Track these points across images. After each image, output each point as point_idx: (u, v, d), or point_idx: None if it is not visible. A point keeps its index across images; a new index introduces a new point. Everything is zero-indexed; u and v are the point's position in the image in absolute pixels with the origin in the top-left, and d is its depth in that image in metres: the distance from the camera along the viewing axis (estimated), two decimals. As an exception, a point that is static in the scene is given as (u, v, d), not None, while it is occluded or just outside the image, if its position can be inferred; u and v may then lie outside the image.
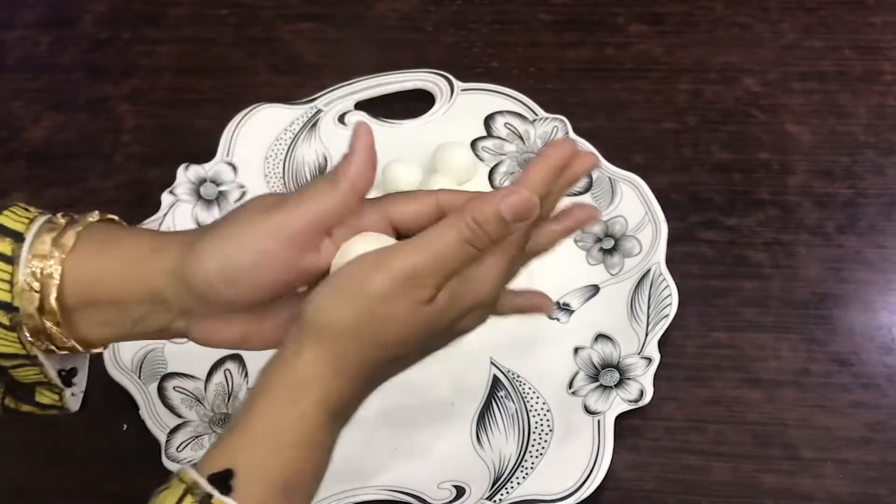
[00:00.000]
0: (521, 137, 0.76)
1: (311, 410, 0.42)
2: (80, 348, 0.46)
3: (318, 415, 0.42)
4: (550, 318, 0.68)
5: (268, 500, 0.40)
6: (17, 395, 0.47)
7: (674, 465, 0.62)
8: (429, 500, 0.60)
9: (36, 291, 0.43)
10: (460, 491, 0.61)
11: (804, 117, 0.77)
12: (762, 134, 0.77)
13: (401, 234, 0.47)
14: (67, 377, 0.48)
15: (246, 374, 0.66)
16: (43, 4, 0.93)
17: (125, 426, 0.65)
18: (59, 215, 0.46)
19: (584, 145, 0.74)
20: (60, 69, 0.87)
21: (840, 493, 0.60)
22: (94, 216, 0.47)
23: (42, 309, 0.44)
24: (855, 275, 0.69)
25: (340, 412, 0.43)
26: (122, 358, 0.66)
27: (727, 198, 0.73)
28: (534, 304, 0.53)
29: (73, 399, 0.49)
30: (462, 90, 0.79)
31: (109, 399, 0.66)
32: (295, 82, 0.81)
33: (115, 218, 0.48)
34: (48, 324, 0.44)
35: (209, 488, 0.39)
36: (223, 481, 0.39)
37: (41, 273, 0.44)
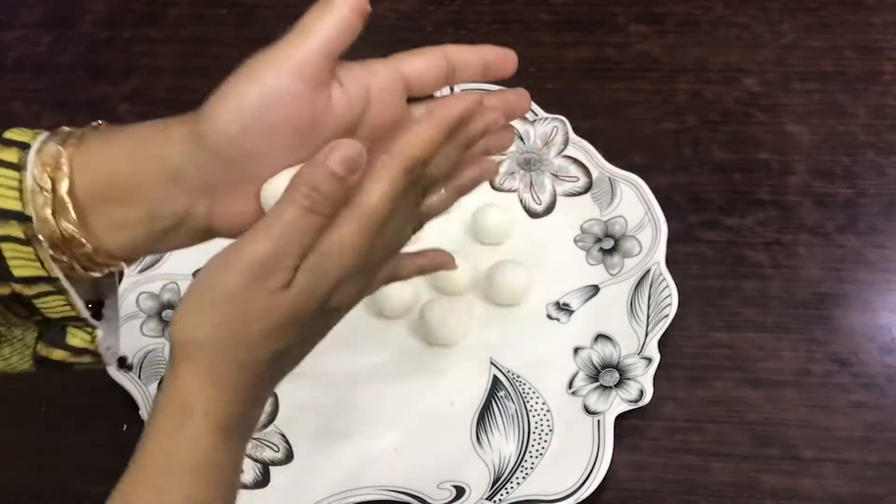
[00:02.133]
0: (520, 137, 0.76)
1: (200, 433, 0.40)
2: (103, 258, 0.43)
3: (210, 434, 0.40)
4: (551, 318, 0.68)
5: None
6: (49, 338, 0.45)
7: (674, 466, 0.62)
8: (429, 500, 0.60)
9: (46, 191, 0.41)
10: (460, 491, 0.61)
11: (804, 117, 0.77)
12: (762, 134, 0.77)
13: (413, 94, 0.45)
14: (96, 310, 0.46)
15: (246, 375, 0.66)
16: (43, 4, 0.93)
17: (125, 426, 0.65)
18: (63, 127, 0.44)
19: (584, 145, 0.75)
20: (60, 69, 0.87)
21: (840, 493, 0.60)
22: (100, 122, 0.45)
23: (55, 211, 0.41)
24: (855, 275, 0.69)
25: (234, 426, 0.42)
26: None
27: (727, 198, 0.73)
28: (436, 262, 0.51)
29: (108, 338, 0.47)
30: (461, 90, 0.79)
31: (109, 399, 0.66)
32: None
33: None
34: (65, 225, 0.41)
35: None
36: None
37: (50, 170, 0.41)
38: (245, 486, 0.62)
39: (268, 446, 0.64)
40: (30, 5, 0.92)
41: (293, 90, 0.40)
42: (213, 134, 0.41)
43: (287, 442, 0.64)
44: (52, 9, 0.93)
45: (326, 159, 0.40)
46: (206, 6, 0.90)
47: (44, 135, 0.42)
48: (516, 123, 0.77)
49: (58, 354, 0.45)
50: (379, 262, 0.45)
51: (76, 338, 0.45)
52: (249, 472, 0.62)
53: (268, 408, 0.65)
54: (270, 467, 0.63)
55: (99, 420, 0.66)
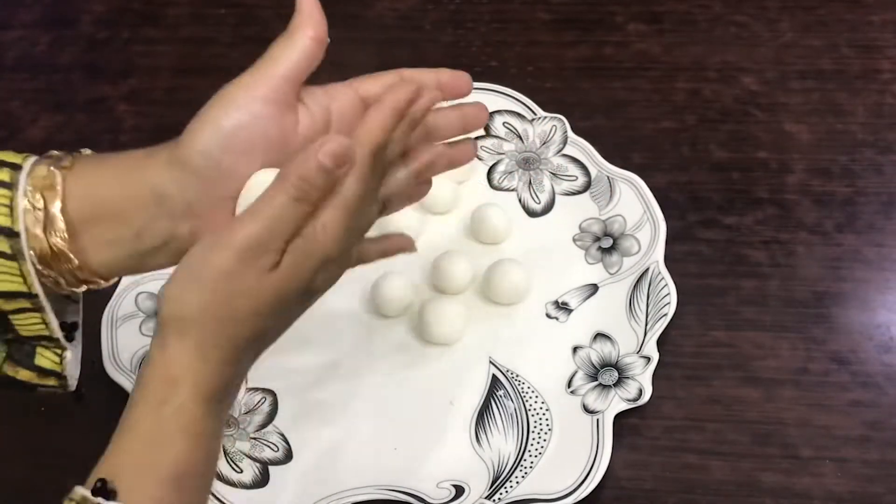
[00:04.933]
0: (519, 137, 0.76)
1: (186, 404, 0.43)
2: (86, 275, 0.46)
3: (196, 405, 0.43)
4: (550, 317, 0.68)
5: (159, 493, 0.41)
6: (17, 358, 0.48)
7: (673, 464, 0.62)
8: (428, 499, 0.61)
9: (38, 209, 0.44)
10: (459, 490, 0.61)
11: (802, 116, 0.77)
12: (761, 133, 0.77)
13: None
14: (68, 334, 0.48)
15: (245, 374, 0.66)
16: (41, 4, 0.93)
17: (124, 426, 0.65)
18: (53, 151, 0.47)
19: (583, 144, 0.75)
20: (59, 69, 0.87)
21: (839, 491, 0.60)
22: (88, 151, 0.48)
23: (46, 228, 0.44)
24: (853, 273, 0.69)
25: (218, 397, 0.44)
26: (121, 358, 0.66)
27: (726, 197, 0.73)
28: (397, 245, 0.55)
29: (72, 364, 0.49)
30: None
31: (109, 399, 0.66)
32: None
33: None
34: (55, 241, 0.44)
35: (95, 500, 0.40)
36: (107, 489, 0.40)
37: (42, 189, 0.44)
38: (244, 486, 0.62)
39: (267, 446, 0.64)
40: (28, 5, 0.92)
41: (264, 112, 0.45)
42: (193, 156, 0.45)
43: (286, 441, 0.64)
44: (51, 9, 0.93)
45: (317, 153, 0.43)
46: (205, 6, 0.90)
47: (33, 158, 0.46)
48: (516, 123, 0.77)
49: (24, 374, 0.48)
50: (352, 244, 0.48)
51: (45, 359, 0.48)
52: (249, 471, 0.62)
53: (266, 408, 0.65)
54: (270, 467, 0.63)
55: (98, 419, 0.66)
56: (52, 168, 0.45)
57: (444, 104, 0.52)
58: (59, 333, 0.47)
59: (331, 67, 0.82)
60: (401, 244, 0.55)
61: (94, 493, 0.40)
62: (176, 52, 0.87)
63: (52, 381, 0.49)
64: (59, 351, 0.48)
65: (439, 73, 0.51)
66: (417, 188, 0.53)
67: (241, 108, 0.45)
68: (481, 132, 0.76)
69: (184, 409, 0.42)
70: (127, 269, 0.48)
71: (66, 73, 0.87)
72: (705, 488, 0.61)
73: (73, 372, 0.50)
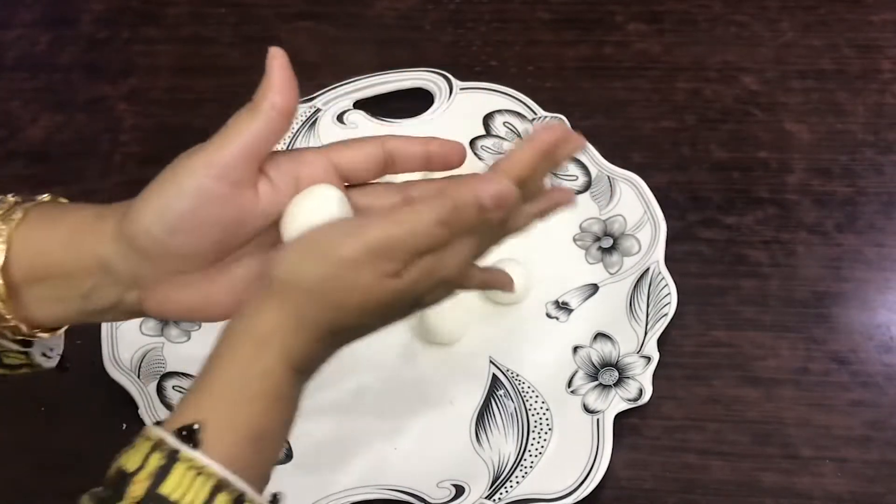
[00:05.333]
0: (519, 136, 0.76)
1: (274, 364, 0.42)
2: (23, 328, 0.45)
3: (282, 368, 0.42)
4: (550, 317, 0.68)
5: (237, 451, 0.40)
6: None
7: (673, 464, 0.62)
8: (428, 499, 0.61)
9: None
10: (459, 490, 0.61)
11: (803, 116, 0.77)
12: (761, 132, 0.77)
13: (349, 183, 0.47)
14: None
15: (245, 374, 0.66)
16: (41, 4, 0.93)
17: (125, 426, 0.65)
18: (9, 196, 0.46)
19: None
20: (59, 69, 0.87)
21: (839, 491, 0.60)
22: (45, 197, 0.47)
23: None
24: (854, 273, 0.69)
25: (303, 367, 0.43)
26: (122, 357, 0.66)
27: (726, 196, 0.73)
28: (499, 282, 0.53)
29: (46, 360, 0.48)
30: (461, 89, 0.79)
31: (109, 399, 0.66)
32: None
33: (66, 201, 0.48)
34: None
35: (176, 444, 0.39)
36: (190, 435, 0.39)
37: None
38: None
39: (267, 445, 0.64)
40: (28, 4, 0.92)
41: (217, 193, 0.43)
42: (139, 236, 0.43)
43: (286, 441, 0.64)
44: (51, 8, 0.92)
45: (482, 191, 0.42)
46: (205, 5, 0.90)
47: None
48: (516, 122, 0.77)
49: None
50: (469, 270, 0.47)
51: (11, 358, 0.47)
52: (249, 471, 0.62)
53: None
54: (270, 466, 0.63)
55: (98, 419, 0.66)
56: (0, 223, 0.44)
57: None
58: (15, 347, 0.46)
59: (331, 67, 0.83)
60: (502, 281, 0.53)
61: (178, 435, 0.39)
62: (176, 51, 0.87)
63: (24, 371, 0.48)
64: (24, 351, 0.47)
65: (428, 144, 0.48)
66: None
67: (192, 190, 0.42)
68: (481, 132, 0.77)
69: (271, 371, 0.42)
70: (73, 322, 0.47)
71: (65, 72, 0.87)
72: (705, 488, 0.61)
73: (54, 345, 0.49)
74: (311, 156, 0.46)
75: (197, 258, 0.44)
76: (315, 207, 0.44)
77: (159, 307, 0.45)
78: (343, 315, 0.43)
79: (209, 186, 0.42)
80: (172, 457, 0.38)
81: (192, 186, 0.42)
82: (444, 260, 0.43)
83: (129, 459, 0.39)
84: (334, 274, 0.42)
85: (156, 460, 0.38)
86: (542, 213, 0.49)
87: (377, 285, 0.42)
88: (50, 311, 0.45)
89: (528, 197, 0.47)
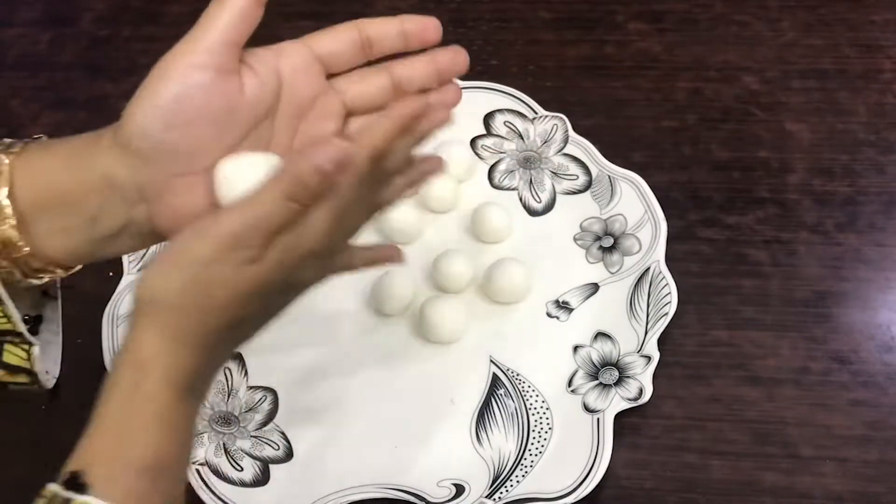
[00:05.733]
0: (520, 136, 0.76)
1: (157, 390, 0.41)
2: (41, 264, 0.45)
3: (167, 393, 0.41)
4: (550, 316, 0.68)
5: (132, 485, 0.40)
6: None
7: (673, 464, 0.62)
8: (428, 498, 0.61)
9: None
10: (460, 489, 0.61)
11: (804, 115, 0.77)
12: (762, 132, 0.77)
13: (331, 70, 0.47)
14: (33, 327, 0.48)
15: (245, 372, 0.66)
16: (42, 2, 0.93)
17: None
18: (5, 139, 0.46)
19: (584, 143, 0.75)
20: (60, 67, 0.87)
21: (839, 491, 0.60)
22: (41, 137, 0.47)
23: None
24: (854, 273, 0.69)
25: (191, 386, 0.43)
26: (122, 356, 0.66)
27: (726, 196, 0.73)
28: (385, 255, 0.52)
29: (47, 361, 0.48)
30: (461, 88, 0.79)
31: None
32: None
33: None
34: (4, 229, 0.43)
35: (65, 493, 0.39)
36: (76, 482, 0.39)
37: None
38: (245, 485, 0.62)
39: (267, 444, 0.64)
40: (29, 3, 0.92)
41: (202, 82, 0.43)
42: (134, 137, 0.43)
43: (287, 440, 0.64)
44: (52, 7, 0.93)
45: (320, 156, 0.41)
46: (206, 4, 0.89)
47: None
48: (517, 122, 0.77)
49: None
50: (339, 245, 0.47)
51: (12, 355, 0.47)
52: (249, 470, 0.62)
53: (267, 406, 0.65)
54: (270, 465, 0.63)
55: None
56: (0, 154, 0.44)
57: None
58: (21, 327, 0.46)
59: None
60: (389, 254, 0.53)
61: (66, 486, 0.39)
62: (177, 50, 0.87)
63: (23, 378, 0.48)
64: (25, 347, 0.47)
65: (403, 22, 0.47)
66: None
67: (177, 80, 0.43)
68: (482, 131, 0.77)
69: (155, 396, 0.41)
70: (86, 256, 0.46)
71: (66, 71, 0.87)
72: (705, 487, 0.61)
73: (49, 368, 0.49)
74: (290, 47, 0.46)
75: (196, 155, 0.44)
76: (243, 176, 0.43)
77: (169, 219, 0.45)
78: (215, 318, 0.42)
79: (194, 76, 0.43)
80: None
81: (177, 77, 0.43)
82: (304, 234, 0.43)
83: None
84: (193, 278, 0.41)
85: None
86: (413, 184, 0.49)
87: (238, 276, 0.42)
88: (59, 243, 0.45)
89: (398, 169, 0.47)
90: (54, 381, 0.50)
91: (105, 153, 0.44)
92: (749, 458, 0.62)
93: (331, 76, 0.48)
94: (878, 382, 0.64)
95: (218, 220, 0.42)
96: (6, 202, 0.43)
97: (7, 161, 0.44)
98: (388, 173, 0.47)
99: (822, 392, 0.64)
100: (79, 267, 0.48)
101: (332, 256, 0.47)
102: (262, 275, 0.42)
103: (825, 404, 0.63)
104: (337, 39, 0.47)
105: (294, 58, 0.46)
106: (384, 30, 0.47)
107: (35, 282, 0.46)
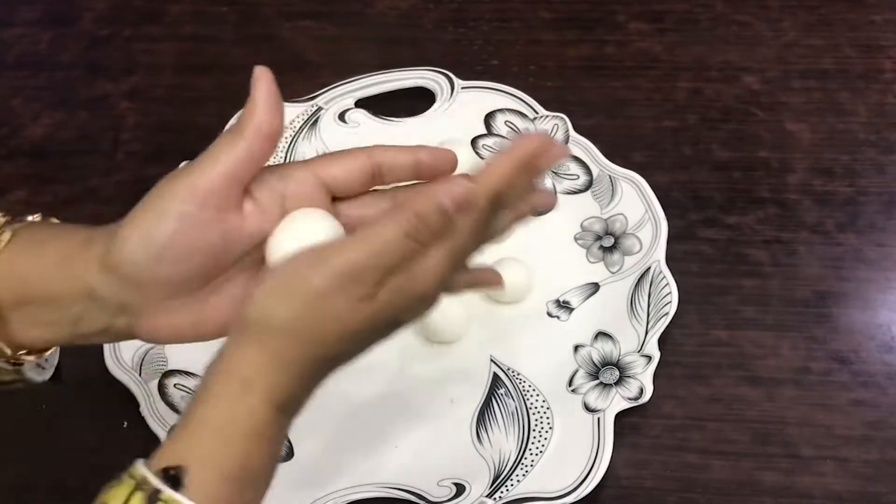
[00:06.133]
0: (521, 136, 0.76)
1: (258, 405, 0.41)
2: (7, 351, 0.45)
3: (266, 409, 0.41)
4: (551, 316, 0.68)
5: (221, 491, 0.40)
6: None
7: (673, 463, 0.62)
8: (429, 497, 0.61)
9: None
10: (460, 488, 0.61)
11: (804, 115, 0.77)
12: (762, 132, 0.77)
13: (336, 197, 0.46)
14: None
15: (246, 372, 0.66)
16: (43, 2, 0.93)
17: (126, 423, 0.65)
18: None
19: (584, 142, 0.75)
20: (61, 67, 0.87)
21: (839, 491, 0.60)
22: (36, 217, 0.47)
23: None
24: (855, 273, 0.69)
25: (287, 406, 0.43)
26: (123, 356, 0.66)
27: (727, 196, 0.73)
28: (486, 280, 0.52)
29: (40, 371, 0.48)
30: (462, 88, 0.79)
31: (110, 396, 0.66)
32: (295, 80, 0.80)
33: (56, 221, 0.48)
34: None
35: (158, 484, 0.38)
36: (174, 477, 0.39)
37: None
38: (245, 484, 0.62)
39: (268, 444, 0.64)
40: (30, 3, 0.92)
41: (200, 219, 0.42)
42: (123, 264, 0.42)
43: (287, 439, 0.64)
44: (53, 6, 0.93)
45: (443, 195, 0.41)
46: (207, 3, 0.90)
47: None
48: (517, 121, 0.77)
49: None
50: (449, 285, 0.46)
51: (2, 374, 0.47)
52: (250, 469, 0.62)
53: (268, 405, 0.65)
54: (271, 465, 0.63)
55: (99, 416, 0.66)
56: None
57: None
58: (4, 364, 0.46)
59: (333, 66, 0.83)
60: (490, 280, 0.52)
61: (161, 475, 0.39)
62: (177, 49, 0.87)
63: (19, 385, 0.48)
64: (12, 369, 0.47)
65: (417, 153, 0.46)
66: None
67: (174, 217, 0.42)
68: (483, 130, 0.77)
69: (253, 411, 0.41)
70: (66, 344, 0.46)
71: (67, 70, 0.87)
72: (706, 487, 0.61)
73: (46, 357, 0.49)
74: (297, 172, 0.45)
75: (184, 284, 0.43)
76: (302, 232, 0.43)
77: (151, 333, 0.45)
78: (323, 348, 0.42)
79: (192, 213, 0.42)
80: (154, 497, 0.38)
81: (175, 213, 0.42)
82: (418, 275, 0.42)
83: (113, 496, 0.38)
84: (307, 309, 0.41)
85: (137, 500, 0.38)
86: (522, 217, 0.48)
87: (352, 312, 0.41)
88: (38, 335, 0.45)
89: (509, 203, 0.46)
90: (52, 369, 0.49)
91: (93, 270, 0.43)
92: (749, 458, 0.62)
93: (336, 199, 0.47)
94: (879, 382, 0.64)
95: (335, 251, 0.41)
96: None
97: None
98: (503, 209, 0.46)
99: (822, 392, 0.64)
100: (52, 350, 0.48)
101: (440, 293, 0.46)
102: (373, 313, 0.42)
103: (825, 404, 0.63)
104: (346, 168, 0.45)
105: (300, 185, 0.45)
106: (397, 160, 0.46)
107: (5, 366, 0.46)
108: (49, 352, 0.48)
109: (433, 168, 0.46)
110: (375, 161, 0.45)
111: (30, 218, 0.47)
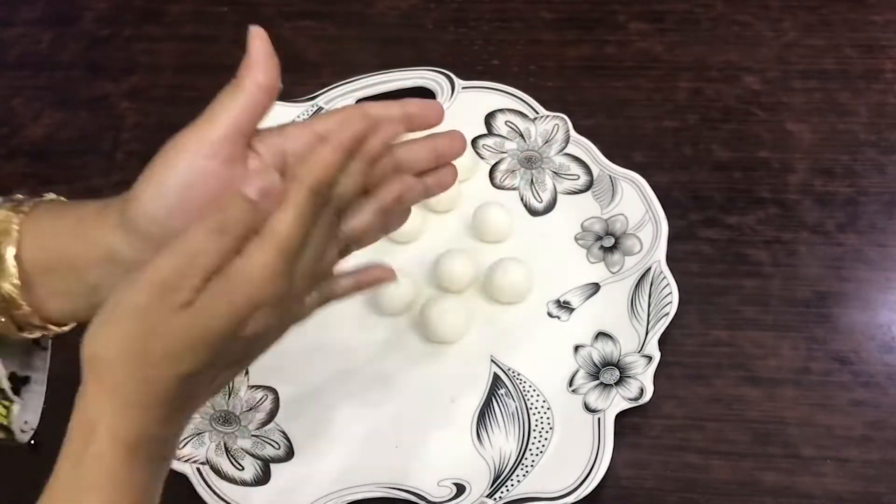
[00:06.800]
0: (521, 135, 0.76)
1: (105, 449, 0.39)
2: (38, 322, 0.45)
3: (116, 452, 0.39)
4: (551, 316, 0.68)
5: None
6: None
7: (674, 464, 0.62)
8: (429, 497, 0.61)
9: None
10: (460, 489, 0.61)
11: (805, 115, 0.77)
12: (763, 132, 0.77)
13: None
14: (16, 387, 0.47)
15: (246, 372, 0.66)
16: (43, 2, 0.93)
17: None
18: (17, 195, 0.47)
19: (585, 143, 0.75)
20: (61, 66, 0.87)
21: (840, 491, 0.60)
22: (50, 196, 0.48)
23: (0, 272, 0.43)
24: (855, 273, 0.69)
25: (141, 446, 0.40)
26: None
27: (727, 196, 0.73)
28: (374, 276, 0.49)
29: (20, 419, 0.48)
30: (463, 88, 0.79)
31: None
32: (295, 80, 0.80)
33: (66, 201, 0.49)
34: (7, 287, 0.44)
35: None
36: None
37: None
38: (246, 483, 0.62)
39: (268, 443, 0.64)
40: (30, 2, 0.92)
41: (209, 170, 0.43)
42: (139, 219, 0.43)
43: (287, 439, 0.64)
44: (53, 6, 0.93)
45: (243, 184, 0.42)
46: (207, 4, 0.90)
47: None
48: (518, 121, 0.77)
49: None
50: (302, 289, 0.44)
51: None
52: (250, 469, 0.62)
53: (268, 405, 0.65)
54: (271, 464, 0.63)
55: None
56: (10, 213, 0.44)
57: (417, 135, 0.48)
58: (5, 384, 0.46)
59: (333, 66, 0.83)
60: (378, 276, 0.49)
61: None
62: (178, 49, 0.87)
63: (0, 434, 0.48)
64: (6, 403, 0.47)
65: (406, 105, 0.47)
66: (391, 220, 0.49)
67: (185, 168, 0.42)
68: (483, 130, 0.77)
69: (103, 459, 0.39)
70: (83, 317, 0.45)
71: (67, 70, 0.87)
72: (706, 487, 0.61)
73: (27, 418, 0.48)
74: (296, 130, 0.46)
75: None
76: None
77: None
78: (156, 369, 0.40)
79: (201, 164, 0.43)
80: None
81: (185, 165, 0.43)
82: (239, 276, 0.40)
83: None
84: (128, 328, 0.39)
85: None
86: (384, 210, 0.46)
87: (172, 323, 0.39)
88: (59, 305, 0.45)
89: (351, 194, 0.44)
90: (32, 432, 0.49)
91: (110, 229, 0.44)
92: (749, 458, 0.62)
93: None
94: (879, 383, 0.64)
95: (150, 263, 0.40)
96: (12, 262, 0.44)
97: (17, 221, 0.44)
98: (345, 203, 0.45)
99: (822, 392, 0.64)
100: (72, 325, 0.48)
101: (298, 300, 0.44)
102: (195, 322, 0.40)
103: (826, 404, 0.63)
104: (338, 121, 0.46)
105: (299, 141, 0.45)
106: (389, 114, 0.46)
107: (28, 335, 0.46)
108: (68, 326, 0.47)
109: (423, 119, 0.47)
110: (369, 115, 0.46)
111: (44, 195, 0.48)
